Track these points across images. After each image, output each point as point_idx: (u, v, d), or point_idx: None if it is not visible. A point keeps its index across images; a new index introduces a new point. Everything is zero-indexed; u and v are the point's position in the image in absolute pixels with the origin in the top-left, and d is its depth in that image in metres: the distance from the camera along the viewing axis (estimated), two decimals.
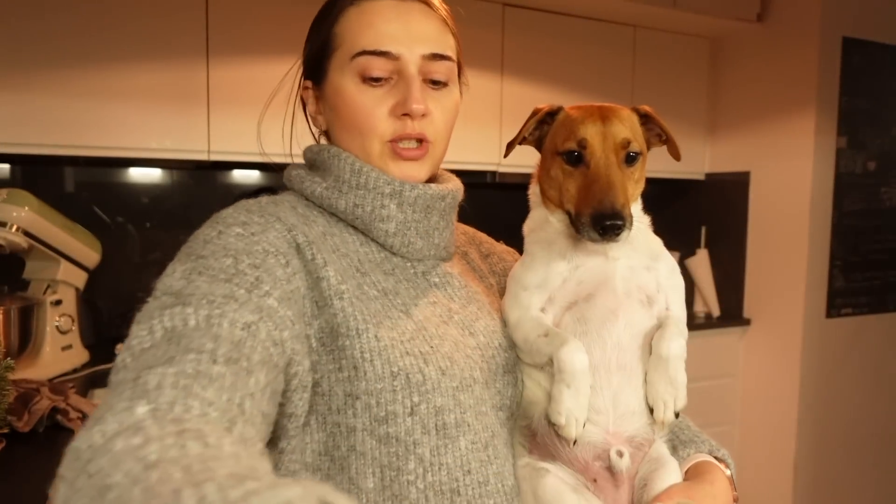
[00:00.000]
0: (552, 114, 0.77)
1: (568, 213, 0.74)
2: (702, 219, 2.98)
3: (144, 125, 2.05)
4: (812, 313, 2.61)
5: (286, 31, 2.17)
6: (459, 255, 0.85)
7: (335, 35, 0.72)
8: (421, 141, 0.72)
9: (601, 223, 0.67)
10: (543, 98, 2.61)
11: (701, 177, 2.98)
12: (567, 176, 0.73)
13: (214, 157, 2.12)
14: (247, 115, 2.14)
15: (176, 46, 2.06)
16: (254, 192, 2.83)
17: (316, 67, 0.75)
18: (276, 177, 2.57)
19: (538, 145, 0.79)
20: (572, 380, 0.68)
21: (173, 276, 0.60)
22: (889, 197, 2.75)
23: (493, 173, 2.52)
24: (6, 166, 2.22)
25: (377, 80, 0.70)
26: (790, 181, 2.63)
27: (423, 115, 0.71)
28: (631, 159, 0.73)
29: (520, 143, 0.78)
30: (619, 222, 0.68)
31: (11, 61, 1.90)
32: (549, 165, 0.76)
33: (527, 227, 0.82)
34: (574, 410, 0.68)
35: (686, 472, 0.74)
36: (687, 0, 2.56)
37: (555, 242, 0.76)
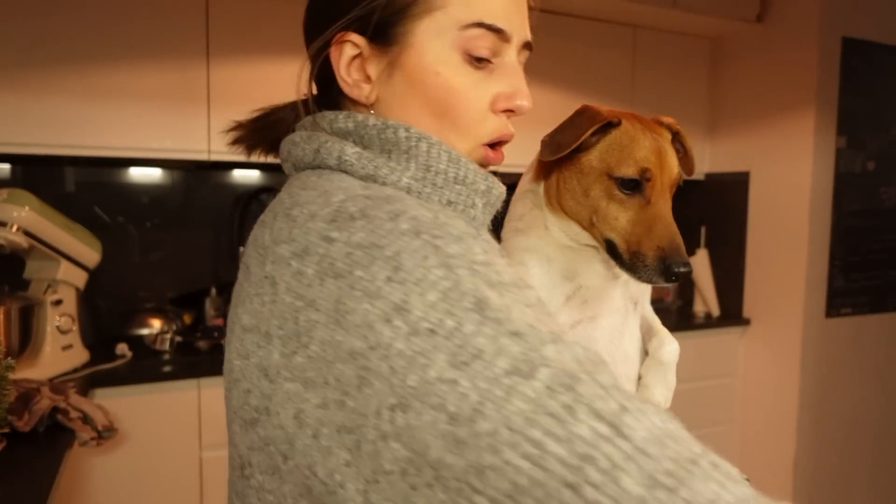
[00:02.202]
0: (609, 124, 0.69)
1: (609, 241, 0.69)
2: (702, 219, 2.98)
3: (144, 125, 2.05)
4: (812, 313, 2.61)
5: (286, 31, 2.17)
6: None
7: None
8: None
9: (673, 271, 0.64)
10: (543, 98, 2.61)
11: (701, 177, 2.98)
12: (616, 202, 0.67)
13: (214, 157, 2.12)
14: (247, 116, 2.14)
15: (176, 46, 2.06)
16: (254, 192, 2.83)
17: (385, 24, 0.56)
18: (276, 177, 2.57)
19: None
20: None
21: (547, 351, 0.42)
22: (889, 197, 2.75)
23: (493, 173, 2.52)
24: (6, 166, 2.22)
25: (480, 61, 0.57)
26: (790, 181, 2.63)
27: None
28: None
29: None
30: (689, 269, 0.65)
31: (11, 61, 1.90)
32: (590, 183, 0.69)
33: (513, 228, 0.75)
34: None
35: None
36: (687, 0, 2.56)
37: (554, 259, 0.73)
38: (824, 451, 2.70)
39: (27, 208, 1.80)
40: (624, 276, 0.72)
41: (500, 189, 0.62)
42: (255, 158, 0.72)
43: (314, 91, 0.64)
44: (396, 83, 0.58)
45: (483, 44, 0.56)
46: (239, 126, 0.69)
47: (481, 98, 0.58)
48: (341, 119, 0.59)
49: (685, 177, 0.75)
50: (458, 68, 0.56)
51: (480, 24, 0.55)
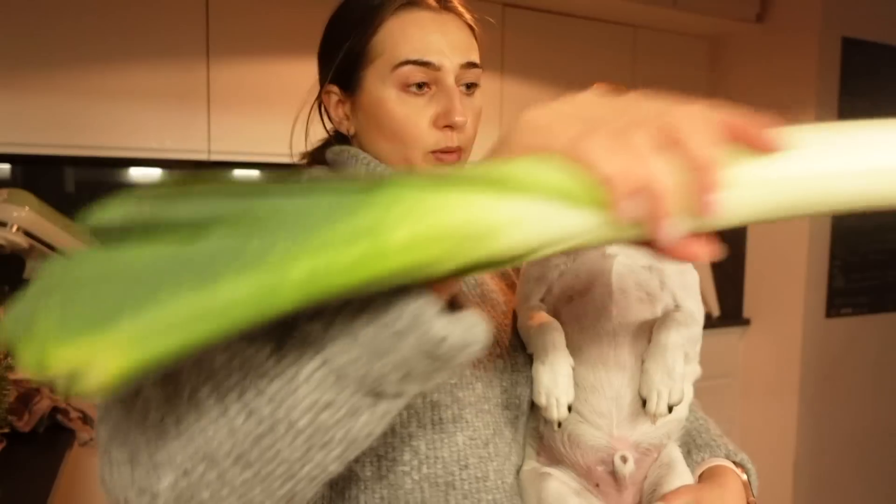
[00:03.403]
0: None
1: None
2: None
3: (144, 125, 2.05)
4: (812, 313, 2.61)
5: (286, 31, 2.17)
6: None
7: (373, 46, 0.72)
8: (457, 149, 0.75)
9: None
10: (544, 98, 2.60)
11: None
12: None
13: (214, 157, 2.12)
14: (247, 115, 2.14)
15: (176, 46, 2.06)
16: None
17: (347, 76, 0.75)
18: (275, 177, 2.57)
19: None
20: (545, 356, 0.67)
21: None
22: None
23: None
24: (6, 166, 2.22)
25: (420, 87, 0.71)
26: None
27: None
28: None
29: None
30: None
31: (11, 61, 1.90)
32: None
33: None
34: (553, 390, 0.67)
35: (700, 477, 0.72)
36: (687, 0, 2.56)
37: None
38: (824, 451, 2.70)
39: (27, 208, 1.80)
40: (626, 260, 0.71)
41: None
42: None
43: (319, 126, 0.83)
44: (360, 118, 0.76)
45: (416, 76, 0.71)
46: (308, 154, 0.85)
47: (420, 119, 0.72)
48: (329, 152, 0.79)
49: None
50: (398, 100, 0.71)
51: (407, 62, 0.70)
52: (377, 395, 0.39)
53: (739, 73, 2.84)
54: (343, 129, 0.78)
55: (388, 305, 0.36)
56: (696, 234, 0.36)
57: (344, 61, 0.75)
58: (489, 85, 2.56)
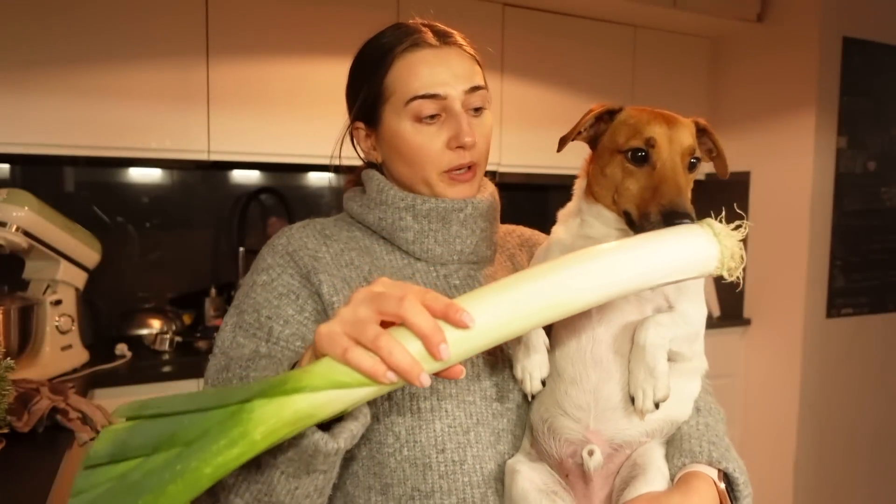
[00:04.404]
0: (612, 112, 0.75)
1: (626, 213, 0.72)
2: (702, 219, 2.98)
3: (144, 125, 2.05)
4: (812, 313, 2.61)
5: (286, 31, 2.17)
6: (506, 257, 0.93)
7: (387, 86, 0.82)
8: (470, 166, 0.83)
9: (673, 220, 0.67)
10: (544, 98, 2.61)
11: (701, 177, 2.98)
12: (627, 175, 0.71)
13: (214, 157, 2.12)
14: (247, 115, 2.14)
15: (176, 46, 2.06)
16: (254, 192, 2.82)
17: (369, 113, 0.85)
18: (275, 177, 2.57)
19: (592, 143, 0.78)
20: (523, 338, 0.74)
21: (226, 331, 0.80)
22: (889, 197, 2.75)
23: (494, 173, 2.52)
24: (6, 166, 2.22)
25: (431, 117, 0.80)
26: (790, 181, 2.63)
27: (473, 145, 0.81)
28: (692, 166, 0.73)
29: (573, 140, 0.76)
30: (689, 220, 0.68)
31: (11, 61, 1.90)
32: (605, 164, 0.74)
33: (559, 217, 0.83)
34: (528, 366, 0.74)
35: (675, 483, 0.72)
36: (687, 0, 2.56)
37: (572, 248, 0.73)
38: (825, 451, 2.70)
39: (27, 208, 1.80)
40: None
41: (431, 203, 0.83)
42: None
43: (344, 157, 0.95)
44: (384, 148, 0.86)
45: (426, 108, 0.80)
46: (352, 176, 0.95)
47: (434, 144, 0.81)
48: (362, 173, 0.90)
49: (721, 177, 0.81)
50: (413, 130, 0.81)
51: (416, 97, 0.79)
52: (322, 471, 0.64)
53: (739, 73, 2.84)
54: (372, 159, 0.89)
55: (301, 445, 0.59)
56: (444, 369, 0.56)
57: (364, 101, 0.85)
58: (489, 85, 2.56)
